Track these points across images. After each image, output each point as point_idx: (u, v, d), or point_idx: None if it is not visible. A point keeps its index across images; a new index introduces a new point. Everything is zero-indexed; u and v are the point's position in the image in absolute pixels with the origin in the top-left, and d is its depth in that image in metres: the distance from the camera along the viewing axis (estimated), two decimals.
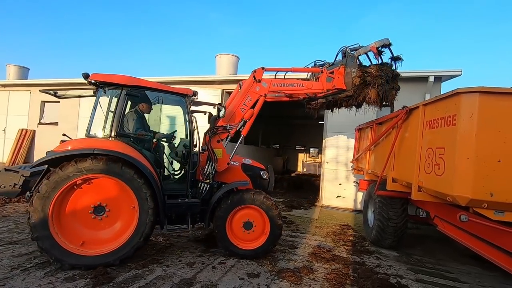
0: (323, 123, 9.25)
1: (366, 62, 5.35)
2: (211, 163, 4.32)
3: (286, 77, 5.44)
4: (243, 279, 3.66)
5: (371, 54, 5.23)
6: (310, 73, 5.83)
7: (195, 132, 4.35)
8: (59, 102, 11.95)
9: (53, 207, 3.37)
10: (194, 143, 4.38)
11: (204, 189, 4.32)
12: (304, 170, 21.21)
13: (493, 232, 3.12)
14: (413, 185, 3.74)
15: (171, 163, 4.59)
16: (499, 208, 2.82)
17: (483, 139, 2.77)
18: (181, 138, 4.69)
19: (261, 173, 4.91)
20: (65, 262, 3.41)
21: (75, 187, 3.51)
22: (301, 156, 24.33)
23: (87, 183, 3.56)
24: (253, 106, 4.71)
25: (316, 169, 19.73)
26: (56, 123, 12.74)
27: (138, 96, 4.08)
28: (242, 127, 4.67)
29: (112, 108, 4.07)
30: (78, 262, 3.44)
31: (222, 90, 10.32)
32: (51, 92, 4.44)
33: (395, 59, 5.24)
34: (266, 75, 4.99)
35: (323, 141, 9.11)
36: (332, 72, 5.26)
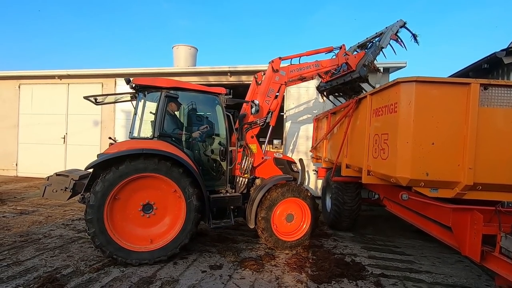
0: (283, 114, 9.44)
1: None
2: (247, 158, 4.51)
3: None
4: (205, 271, 3.67)
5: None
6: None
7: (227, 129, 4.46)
8: None
9: (108, 204, 3.54)
10: (229, 139, 4.49)
11: (242, 183, 4.56)
12: None
13: (430, 207, 3.48)
14: (363, 169, 3.99)
15: (208, 160, 4.67)
16: (433, 186, 3.13)
17: (419, 124, 3.03)
18: (215, 135, 4.76)
19: (292, 166, 5.13)
20: (118, 257, 3.59)
21: (125, 186, 3.66)
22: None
23: (137, 182, 3.72)
24: (276, 96, 4.95)
25: None
26: None
27: (176, 97, 4.24)
28: (270, 118, 4.89)
29: (141, 110, 4.29)
30: (129, 257, 3.63)
31: None
32: (92, 99, 4.71)
33: (415, 36, 5.70)
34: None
35: (284, 131, 9.32)
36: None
